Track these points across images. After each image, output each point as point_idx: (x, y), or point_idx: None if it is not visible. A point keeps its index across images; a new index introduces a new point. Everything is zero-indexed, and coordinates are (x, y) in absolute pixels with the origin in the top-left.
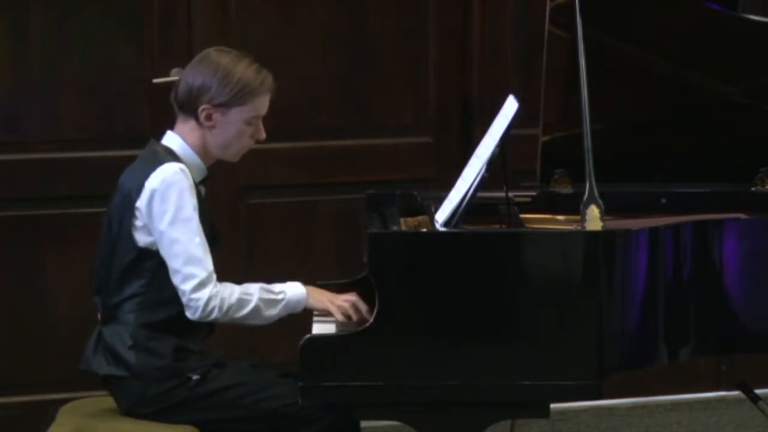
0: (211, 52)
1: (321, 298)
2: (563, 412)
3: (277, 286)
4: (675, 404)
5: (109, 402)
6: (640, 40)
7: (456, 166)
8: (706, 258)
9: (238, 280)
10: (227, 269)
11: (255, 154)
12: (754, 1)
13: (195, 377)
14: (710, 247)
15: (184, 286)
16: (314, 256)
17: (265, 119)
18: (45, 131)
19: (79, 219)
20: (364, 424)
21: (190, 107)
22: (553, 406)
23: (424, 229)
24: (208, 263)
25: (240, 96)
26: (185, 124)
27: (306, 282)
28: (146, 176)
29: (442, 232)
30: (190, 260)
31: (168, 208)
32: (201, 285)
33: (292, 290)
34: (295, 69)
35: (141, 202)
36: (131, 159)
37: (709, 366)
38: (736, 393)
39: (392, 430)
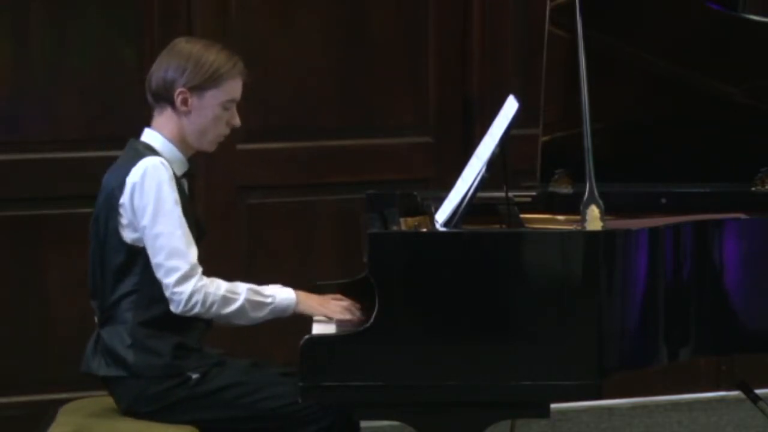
0: (181, 41)
1: (312, 303)
2: (563, 412)
3: (267, 289)
4: (675, 404)
5: (109, 402)
6: (640, 40)
7: (456, 166)
8: (706, 258)
9: (238, 280)
10: (227, 269)
11: (255, 154)
12: (754, 1)
13: (195, 376)
14: (710, 247)
15: (168, 280)
16: (314, 256)
17: (266, 119)
18: (45, 131)
19: (79, 219)
20: (364, 424)
21: (165, 95)
22: (553, 406)
23: (424, 229)
24: (192, 256)
25: (214, 78)
26: (161, 115)
27: (306, 282)
28: (127, 172)
29: (442, 232)
30: (173, 253)
31: (148, 202)
32: (184, 278)
33: (282, 295)
34: (295, 69)
35: (124, 198)
36: None
37: (709, 366)
38: (736, 393)
39: (392, 430)
